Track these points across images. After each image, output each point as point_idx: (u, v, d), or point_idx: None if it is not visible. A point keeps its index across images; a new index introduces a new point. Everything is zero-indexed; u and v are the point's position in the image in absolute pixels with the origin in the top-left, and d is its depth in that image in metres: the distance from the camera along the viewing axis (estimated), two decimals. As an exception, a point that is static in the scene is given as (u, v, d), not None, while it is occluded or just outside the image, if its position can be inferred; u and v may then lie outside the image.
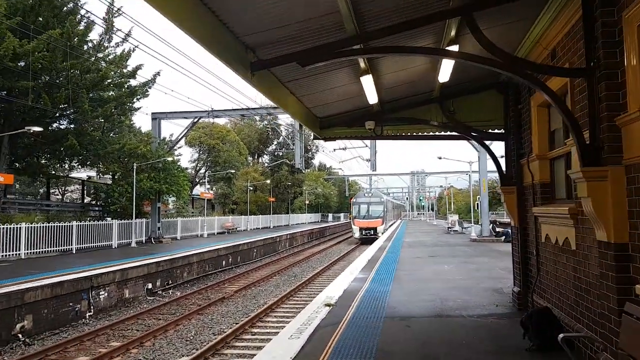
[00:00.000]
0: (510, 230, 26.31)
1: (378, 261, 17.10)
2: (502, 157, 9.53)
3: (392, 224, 54.37)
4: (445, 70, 7.25)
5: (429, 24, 5.74)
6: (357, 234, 42.16)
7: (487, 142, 10.57)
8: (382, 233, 38.92)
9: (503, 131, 9.10)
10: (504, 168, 9.15)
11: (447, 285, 11.75)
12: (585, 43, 4.62)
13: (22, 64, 20.89)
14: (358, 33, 5.75)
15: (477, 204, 38.44)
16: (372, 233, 40.48)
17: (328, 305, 9.41)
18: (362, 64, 6.82)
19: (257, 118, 56.39)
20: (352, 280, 12.61)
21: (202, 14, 4.93)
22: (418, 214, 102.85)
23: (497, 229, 28.27)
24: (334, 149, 44.88)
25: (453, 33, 6.20)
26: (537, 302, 7.66)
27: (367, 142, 36.40)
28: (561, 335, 4.86)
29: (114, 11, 24.58)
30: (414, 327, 7.81)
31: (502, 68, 5.36)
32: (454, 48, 6.30)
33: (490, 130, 9.45)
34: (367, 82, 7.35)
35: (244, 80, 6.06)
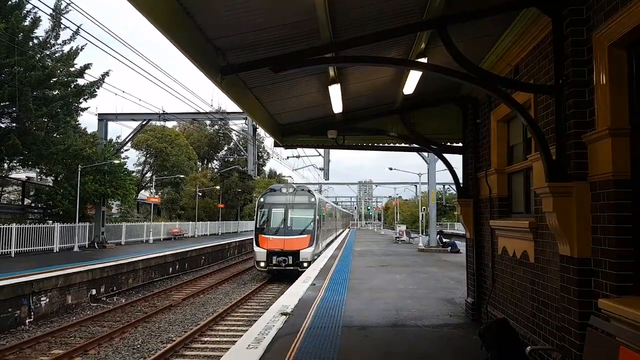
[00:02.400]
0: (455, 242, 27.48)
1: (331, 269, 17.11)
2: (457, 168, 9.77)
3: (333, 240, 37.74)
4: (411, 82, 7.36)
5: (402, 35, 5.80)
6: (262, 263, 22.61)
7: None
8: (312, 261, 21.76)
9: (461, 145, 9.35)
10: (460, 181, 9.39)
11: (401, 294, 11.89)
12: (554, 60, 4.79)
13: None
14: (332, 41, 5.73)
15: (423, 214, 39.55)
16: (292, 262, 22.18)
17: (284, 314, 9.26)
18: (331, 73, 6.81)
19: (208, 122, 55.30)
20: (307, 289, 12.52)
21: (177, 12, 4.74)
22: (366, 223, 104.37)
23: (444, 240, 29.10)
24: (287, 157, 40.75)
25: (423, 45, 6.32)
26: (492, 314, 7.87)
27: (321, 150, 36.52)
28: (528, 348, 4.98)
29: (62, 8, 23.44)
30: (372, 336, 7.82)
31: (472, 81, 5.48)
32: (423, 60, 6.40)
33: (449, 144, 9.69)
34: (335, 92, 7.34)
35: (213, 83, 5.88)
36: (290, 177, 77.45)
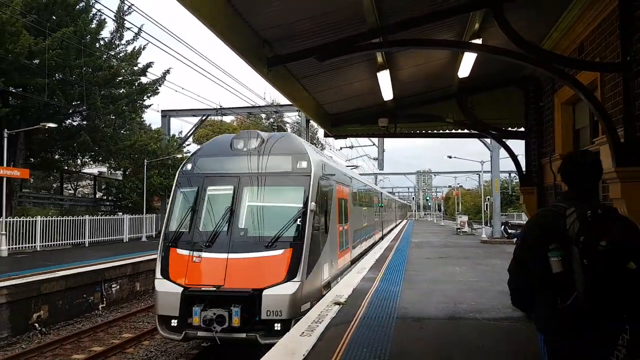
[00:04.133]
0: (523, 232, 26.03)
1: (386, 261, 16.86)
2: (519, 155, 9.29)
3: (381, 238, 27.20)
4: (466, 64, 7.04)
5: (453, 16, 5.54)
6: (173, 321, 8.43)
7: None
8: (296, 317, 8.21)
9: (523, 129, 8.87)
10: (523, 168, 8.91)
11: (460, 287, 11.52)
12: (621, 36, 4.40)
13: (37, 61, 21.14)
14: (379, 26, 5.56)
15: (487, 204, 38.05)
16: (241, 320, 7.96)
17: (338, 303, 9.23)
18: (379, 59, 6.64)
19: (264, 116, 56.23)
20: (361, 280, 12.40)
21: (224, 7, 4.78)
22: (425, 214, 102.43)
23: (509, 231, 27.93)
24: (340, 147, 38.74)
25: (477, 26, 6.01)
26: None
27: (375, 140, 35.78)
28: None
29: (125, 9, 24.61)
30: (428, 328, 7.61)
31: (530, 61, 5.15)
32: (477, 41, 6.10)
33: (509, 129, 9.22)
34: (384, 78, 7.16)
35: (260, 75, 5.92)
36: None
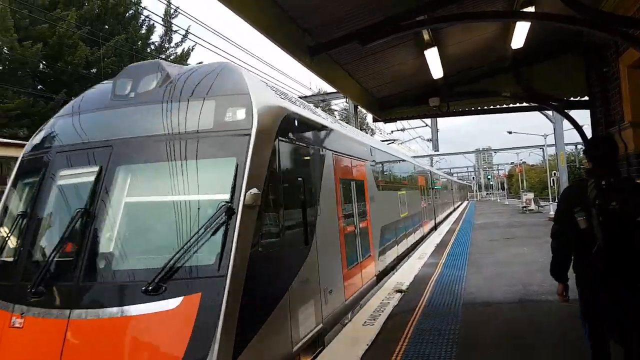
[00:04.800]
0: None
1: (448, 245, 16.45)
2: (584, 125, 8.72)
3: (426, 236, 19.75)
4: (520, 34, 6.64)
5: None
6: None
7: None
8: None
9: (587, 98, 8.29)
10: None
11: (529, 268, 11.01)
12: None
13: (94, 70, 22.16)
14: (422, 2, 5.33)
15: (553, 180, 36.19)
16: None
17: (399, 291, 9.09)
18: (426, 36, 6.40)
19: (312, 106, 56.46)
20: (422, 266, 12.15)
21: (264, 4, 4.77)
22: (487, 193, 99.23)
23: (579, 206, 26.39)
24: (391, 131, 36.69)
25: (528, -7, 5.63)
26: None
27: (428, 121, 34.68)
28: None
29: (171, 12, 25.36)
30: (497, 313, 7.32)
31: (589, 25, 4.76)
32: (530, 9, 5.72)
33: (572, 98, 8.66)
34: (432, 56, 6.91)
35: (302, 65, 5.87)
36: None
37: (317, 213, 5.82)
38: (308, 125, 5.81)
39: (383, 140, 23.95)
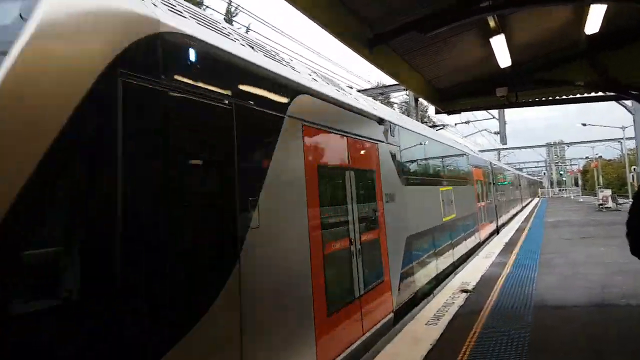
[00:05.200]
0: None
1: (517, 244, 15.69)
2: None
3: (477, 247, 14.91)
4: (595, 18, 6.16)
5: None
6: None
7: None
8: None
9: (674, 84, 7.58)
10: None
11: (607, 269, 10.27)
12: None
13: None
14: (486, -14, 5.06)
15: (633, 175, 33.65)
16: None
17: (465, 291, 8.76)
18: (492, 23, 6.08)
19: (370, 99, 56.02)
20: (490, 265, 11.66)
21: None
22: (559, 190, 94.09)
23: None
24: (455, 124, 35.97)
25: (605, -30, 5.19)
26: None
27: (494, 113, 33.17)
28: None
29: (232, 10, 26.02)
30: (571, 317, 6.85)
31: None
32: (606, -12, 5.27)
33: (656, 86, 7.95)
34: (498, 43, 6.57)
35: (362, 57, 5.78)
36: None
37: (248, 220, 3.41)
38: (219, 61, 3.29)
39: (432, 126, 19.35)
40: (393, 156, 7.13)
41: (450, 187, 11.29)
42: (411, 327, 6.78)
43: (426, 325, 6.68)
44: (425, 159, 9.59)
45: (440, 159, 10.88)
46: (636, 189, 5.84)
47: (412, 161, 8.56)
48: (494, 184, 20.75)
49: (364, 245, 5.72)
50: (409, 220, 7.59)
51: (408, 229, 7.51)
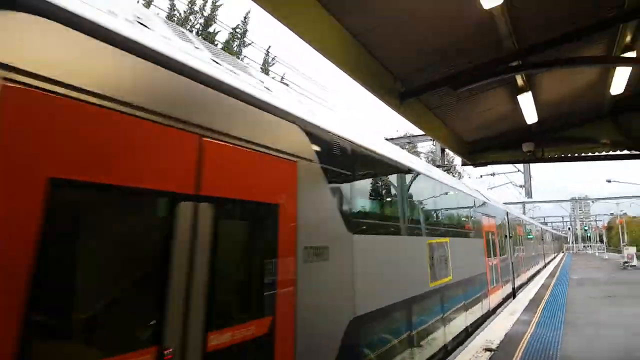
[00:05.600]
0: None
1: (542, 301, 15.32)
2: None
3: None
4: (620, 80, 6.33)
5: (599, 31, 5.04)
6: None
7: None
8: None
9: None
10: None
11: (633, 331, 9.97)
12: None
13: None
14: (516, 49, 5.29)
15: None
16: None
17: (488, 350, 8.55)
18: (519, 81, 6.29)
19: (397, 148, 56.38)
20: (514, 323, 11.39)
21: (357, 52, 5.03)
22: (584, 246, 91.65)
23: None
24: (481, 175, 35.88)
25: (629, 38, 5.39)
26: None
27: (520, 166, 33.17)
28: None
29: (269, 61, 26.96)
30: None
31: None
32: (631, 54, 5.45)
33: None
34: (526, 101, 6.74)
35: (393, 109, 5.99)
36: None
37: None
38: None
39: (439, 166, 16.96)
40: (330, 181, 4.32)
41: (446, 239, 8.22)
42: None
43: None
44: (402, 196, 6.49)
45: (433, 200, 7.96)
46: None
47: (375, 195, 5.76)
48: (510, 237, 17.34)
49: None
50: (359, 290, 4.63)
51: (356, 306, 4.55)
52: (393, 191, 6.36)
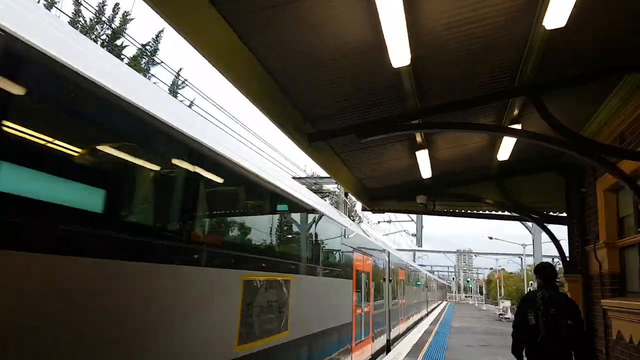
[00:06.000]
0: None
1: (424, 346, 16.08)
2: (562, 240, 8.97)
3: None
4: (506, 148, 7.07)
5: (493, 102, 5.67)
6: None
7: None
8: None
9: (565, 214, 8.63)
10: (566, 253, 8.57)
11: (501, 379, 10.78)
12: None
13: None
14: (418, 108, 5.76)
15: (530, 289, 36.14)
16: None
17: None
18: (418, 139, 6.79)
19: (304, 187, 57.06)
20: (398, 365, 11.83)
21: (272, 89, 5.11)
22: (466, 296, 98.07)
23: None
24: (378, 221, 37.65)
25: (516, 112, 6.10)
26: (608, 409, 6.80)
27: (414, 216, 35.28)
28: None
29: (178, 84, 26.26)
30: None
31: (571, 148, 5.13)
32: (517, 126, 6.17)
33: (551, 213, 9.00)
34: (423, 157, 7.27)
35: (300, 149, 6.13)
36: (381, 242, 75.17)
37: None
38: None
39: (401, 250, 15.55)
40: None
41: (288, 276, 5.67)
42: None
43: None
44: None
45: (257, 208, 5.38)
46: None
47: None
48: (390, 281, 15.48)
49: None
50: None
51: None
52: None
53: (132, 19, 23.60)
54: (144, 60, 24.77)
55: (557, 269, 5.87)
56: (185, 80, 26.09)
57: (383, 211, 10.48)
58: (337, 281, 8.37)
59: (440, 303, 61.64)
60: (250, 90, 4.72)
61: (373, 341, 11.92)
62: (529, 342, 5.43)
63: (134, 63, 23.37)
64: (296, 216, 6.50)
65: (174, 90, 25.73)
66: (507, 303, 37.83)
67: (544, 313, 5.23)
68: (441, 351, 14.91)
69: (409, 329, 20.01)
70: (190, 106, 26.93)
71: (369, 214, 37.12)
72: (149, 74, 25.43)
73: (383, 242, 15.79)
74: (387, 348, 14.14)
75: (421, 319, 26.68)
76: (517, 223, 19.93)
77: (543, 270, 5.71)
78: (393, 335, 15.52)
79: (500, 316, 35.07)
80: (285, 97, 5.46)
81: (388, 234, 42.35)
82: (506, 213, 9.81)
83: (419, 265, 46.21)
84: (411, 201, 9.50)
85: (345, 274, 8.97)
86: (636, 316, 5.66)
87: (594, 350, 7.57)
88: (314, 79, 5.13)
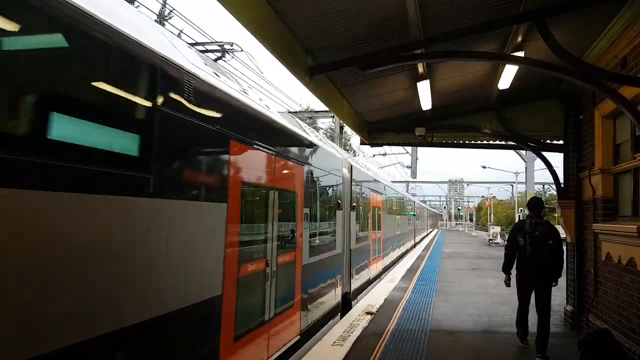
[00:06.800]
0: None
1: (417, 271, 16.78)
2: (556, 167, 9.14)
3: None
4: (507, 77, 7.01)
5: (496, 29, 5.55)
6: None
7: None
8: None
9: (562, 142, 8.74)
10: (561, 181, 8.78)
11: (493, 299, 11.39)
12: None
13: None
14: (421, 37, 5.62)
15: (520, 215, 37.15)
16: None
17: (369, 313, 9.27)
18: (420, 69, 6.69)
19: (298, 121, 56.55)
20: (393, 289, 12.40)
21: (268, 16, 4.92)
22: (456, 224, 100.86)
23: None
24: (373, 155, 37.01)
25: (520, 39, 6.00)
26: (593, 323, 7.29)
27: (408, 148, 35.39)
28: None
29: (165, 13, 25.19)
30: (462, 342, 7.57)
31: (573, 75, 5.12)
32: (519, 54, 6.09)
33: (548, 141, 9.10)
34: (424, 88, 7.20)
35: (301, 83, 6.04)
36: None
37: None
38: None
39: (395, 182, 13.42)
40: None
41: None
42: (318, 348, 7.07)
43: (332, 346, 7.00)
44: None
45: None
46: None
47: None
48: (352, 208, 11.00)
49: None
50: None
51: None
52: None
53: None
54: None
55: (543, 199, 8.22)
56: (173, 9, 24.93)
57: (382, 144, 10.52)
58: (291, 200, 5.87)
59: (432, 231, 63.44)
60: (250, 20, 4.57)
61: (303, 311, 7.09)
62: (519, 259, 6.83)
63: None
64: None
65: (160, 20, 24.71)
66: (497, 229, 38.96)
67: (531, 235, 6.59)
68: (433, 274, 15.59)
69: (388, 268, 17.71)
70: (179, 36, 26.00)
71: (365, 147, 37.13)
72: (136, 4, 24.31)
73: (338, 151, 11.02)
74: (343, 306, 9.89)
75: (407, 252, 25.51)
76: (511, 153, 20.10)
77: (534, 204, 6.97)
78: (356, 285, 11.55)
79: (490, 241, 36.32)
80: (286, 29, 5.30)
81: (383, 166, 42.59)
82: (503, 142, 9.89)
83: (412, 194, 46.49)
84: (411, 133, 9.51)
85: (297, 194, 6.21)
86: (627, 238, 5.92)
87: (584, 272, 7.99)
88: (317, 10, 4.97)
